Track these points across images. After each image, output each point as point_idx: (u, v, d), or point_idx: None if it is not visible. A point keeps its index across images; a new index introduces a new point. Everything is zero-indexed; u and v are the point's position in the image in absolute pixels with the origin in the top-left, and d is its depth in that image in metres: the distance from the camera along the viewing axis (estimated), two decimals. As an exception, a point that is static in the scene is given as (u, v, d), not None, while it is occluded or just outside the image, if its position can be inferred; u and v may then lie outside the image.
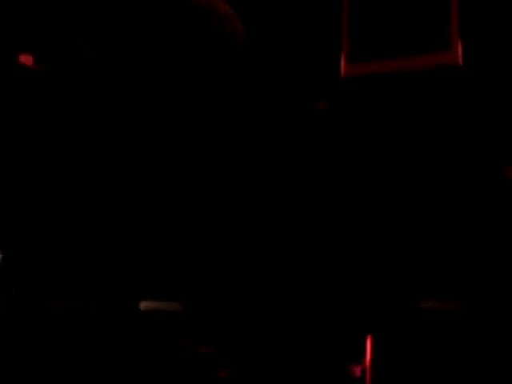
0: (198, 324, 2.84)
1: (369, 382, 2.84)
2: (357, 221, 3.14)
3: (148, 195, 3.07)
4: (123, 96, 3.14)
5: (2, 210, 3.02)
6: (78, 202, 3.12)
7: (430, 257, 3.06)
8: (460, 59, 3.23)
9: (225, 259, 2.96)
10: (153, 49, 2.94)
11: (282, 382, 2.80)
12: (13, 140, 3.11)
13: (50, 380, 2.60)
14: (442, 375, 2.82)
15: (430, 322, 2.90)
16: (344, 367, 2.84)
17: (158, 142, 3.15)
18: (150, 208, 3.04)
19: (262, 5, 3.50)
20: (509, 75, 3.16)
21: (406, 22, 3.30)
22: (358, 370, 2.86)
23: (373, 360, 2.89)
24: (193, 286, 2.99)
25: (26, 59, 2.93)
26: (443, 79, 3.26)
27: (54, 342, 2.65)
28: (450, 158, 3.22)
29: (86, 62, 3.04)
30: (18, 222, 3.02)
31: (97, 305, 2.84)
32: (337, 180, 3.10)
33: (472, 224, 3.02)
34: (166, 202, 3.04)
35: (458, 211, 3.09)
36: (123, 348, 2.71)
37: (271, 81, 3.23)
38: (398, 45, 3.28)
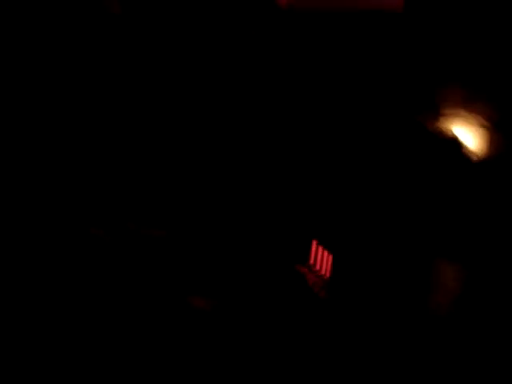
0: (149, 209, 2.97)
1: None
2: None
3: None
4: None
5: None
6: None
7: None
8: (401, 5, 3.35)
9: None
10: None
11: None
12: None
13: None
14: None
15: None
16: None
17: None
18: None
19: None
20: (448, 25, 3.26)
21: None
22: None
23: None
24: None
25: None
26: (382, 24, 3.37)
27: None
28: (380, 102, 3.28)
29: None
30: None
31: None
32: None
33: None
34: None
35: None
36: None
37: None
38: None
